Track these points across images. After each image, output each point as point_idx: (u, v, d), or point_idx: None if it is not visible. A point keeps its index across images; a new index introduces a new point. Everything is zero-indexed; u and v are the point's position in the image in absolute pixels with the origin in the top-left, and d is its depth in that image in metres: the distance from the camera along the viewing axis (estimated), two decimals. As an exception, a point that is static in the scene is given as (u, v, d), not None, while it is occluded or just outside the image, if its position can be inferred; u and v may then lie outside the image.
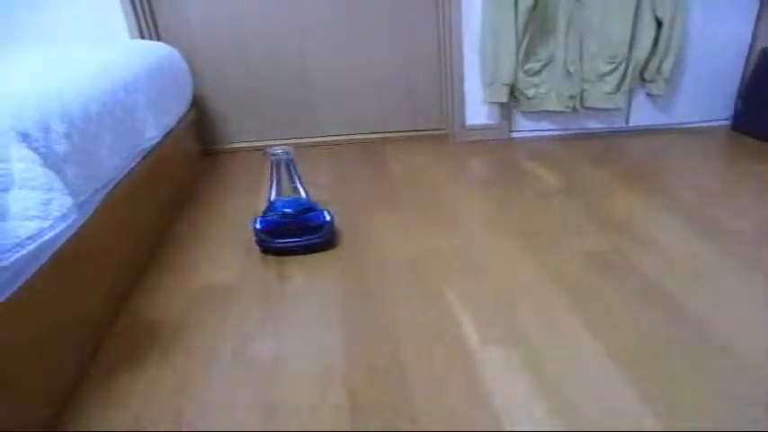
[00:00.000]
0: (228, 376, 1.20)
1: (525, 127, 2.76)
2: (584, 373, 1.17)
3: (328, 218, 1.72)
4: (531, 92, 2.60)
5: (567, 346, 1.26)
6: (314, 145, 2.77)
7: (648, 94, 2.69)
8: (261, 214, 1.72)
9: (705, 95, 2.75)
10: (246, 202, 2.09)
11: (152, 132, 1.82)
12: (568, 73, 2.56)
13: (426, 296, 1.45)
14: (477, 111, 2.71)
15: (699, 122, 2.79)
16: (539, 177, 2.24)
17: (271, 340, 1.30)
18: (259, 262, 1.66)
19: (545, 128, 2.77)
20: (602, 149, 2.55)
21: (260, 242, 1.69)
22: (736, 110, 2.73)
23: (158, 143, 1.89)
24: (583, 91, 2.60)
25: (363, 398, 1.12)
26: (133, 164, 1.65)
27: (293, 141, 2.74)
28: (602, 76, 2.57)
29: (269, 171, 1.72)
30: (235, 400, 1.14)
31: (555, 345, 1.26)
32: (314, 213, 1.71)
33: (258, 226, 1.68)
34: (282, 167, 1.71)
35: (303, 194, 1.75)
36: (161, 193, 1.93)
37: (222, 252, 1.73)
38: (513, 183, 2.21)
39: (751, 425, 1.02)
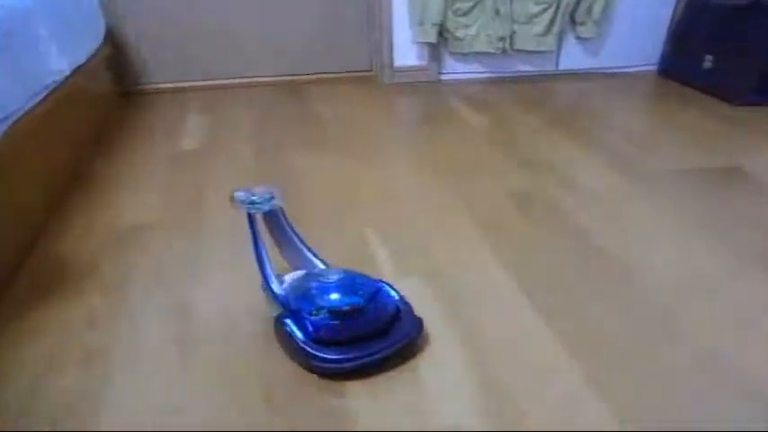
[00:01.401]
0: (142, 313, 1.21)
1: (455, 69, 2.79)
2: (495, 303, 1.22)
3: (396, 295, 1.13)
4: (460, 33, 2.63)
5: (480, 277, 1.31)
6: (238, 86, 2.73)
7: (578, 38, 2.76)
8: (282, 308, 1.10)
9: (634, 40, 2.83)
10: (166, 145, 2.07)
11: (57, 65, 1.77)
12: (498, 13, 2.59)
13: (347, 234, 1.48)
14: (406, 52, 2.72)
15: (627, 67, 2.87)
16: (466, 119, 2.27)
17: (187, 278, 1.32)
18: (177, 203, 1.66)
19: (475, 70, 2.80)
20: (532, 92, 2.60)
21: (314, 361, 1.02)
22: (663, 55, 2.83)
23: (68, 79, 1.84)
24: (513, 33, 2.64)
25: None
26: (38, 98, 1.61)
27: (217, 83, 2.71)
28: (532, 17, 2.61)
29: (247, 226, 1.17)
30: (147, 336, 1.15)
31: (468, 276, 1.31)
32: (380, 293, 1.10)
33: (310, 330, 1.03)
34: (267, 222, 1.20)
35: (313, 260, 1.21)
36: (74, 132, 1.89)
37: (139, 193, 1.72)
38: (440, 124, 2.24)
39: (654, 348, 1.09)
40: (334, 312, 1.02)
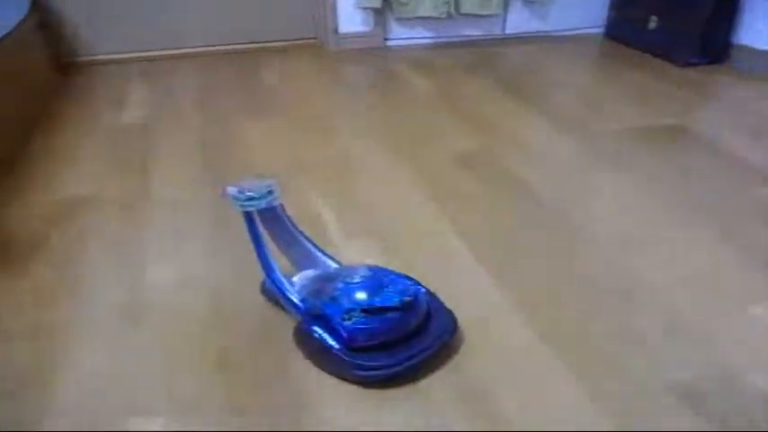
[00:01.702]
0: (90, 285, 1.19)
1: (400, 35, 2.77)
2: (441, 259, 1.24)
3: (422, 288, 1.03)
4: (405, -3, 2.62)
5: (426, 234, 1.33)
6: (182, 56, 2.67)
7: (525, 1, 2.76)
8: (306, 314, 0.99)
9: (580, 3, 2.83)
10: (109, 118, 2.01)
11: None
12: (443, -23, 2.58)
13: (293, 197, 1.45)
14: (351, 17, 2.68)
15: (574, 30, 2.88)
16: (413, 84, 2.26)
17: (134, 249, 1.30)
18: (123, 175, 1.62)
19: (420, 35, 2.78)
20: (478, 57, 2.59)
21: (355, 370, 0.93)
22: (609, 17, 2.85)
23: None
24: (458, -4, 2.64)
25: (226, 303, 1.14)
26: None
27: (160, 53, 2.65)
28: (477, -20, 2.61)
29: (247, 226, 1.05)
30: (96, 307, 1.13)
31: (414, 234, 1.33)
32: (412, 289, 0.99)
33: (344, 336, 0.93)
34: (264, 219, 1.07)
35: (324, 260, 1.11)
36: (5, 107, 1.83)
37: (83, 167, 1.67)
38: (386, 90, 2.22)
39: (596, 303, 1.11)
40: (369, 313, 0.92)
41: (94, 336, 1.06)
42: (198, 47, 2.70)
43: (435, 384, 0.94)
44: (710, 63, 2.41)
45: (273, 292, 1.05)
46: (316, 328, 0.95)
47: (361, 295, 0.94)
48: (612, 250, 1.26)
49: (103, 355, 1.02)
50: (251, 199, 1.01)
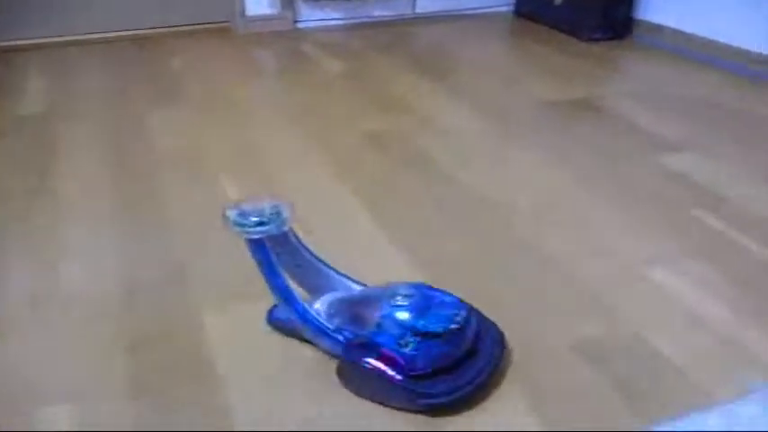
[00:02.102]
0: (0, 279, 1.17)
1: (310, 16, 2.75)
2: (351, 235, 1.26)
3: (467, 305, 0.92)
4: (313, -22, 2.60)
5: (336, 211, 1.35)
6: (85, 42, 2.59)
7: (433, -20, 2.79)
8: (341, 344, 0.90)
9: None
10: (3, 111, 1.94)
11: None
12: (350, -43, 2.58)
13: (202, 180, 1.46)
14: (258, 0, 2.67)
15: (484, 8, 2.93)
16: (323, 65, 2.26)
17: (44, 244, 1.26)
18: (22, 165, 1.56)
19: (330, 17, 2.77)
20: (389, 37, 2.60)
21: (421, 399, 0.85)
22: (517, -6, 2.91)
23: None
24: (367, -24, 2.65)
25: (136, 294, 1.12)
26: None
27: (60, 39, 2.56)
28: (385, -40, 2.62)
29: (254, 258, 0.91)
30: (5, 298, 1.11)
31: (324, 211, 1.34)
32: (454, 305, 0.90)
33: (403, 364, 0.85)
34: (272, 244, 0.91)
35: (347, 283, 1.00)
36: None
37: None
38: (296, 72, 2.22)
39: (501, 268, 1.15)
40: (424, 337, 0.85)
41: (2, 328, 1.04)
42: (103, 32, 2.62)
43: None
44: (613, 38, 2.49)
45: (293, 324, 0.94)
46: (369, 360, 0.86)
47: (411, 318, 0.86)
48: (522, 219, 1.31)
49: (13, 346, 1.00)
50: (262, 224, 0.87)
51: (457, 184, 1.45)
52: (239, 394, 0.89)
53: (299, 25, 2.75)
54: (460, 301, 0.90)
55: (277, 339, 0.99)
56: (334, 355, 0.91)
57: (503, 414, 0.85)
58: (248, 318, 1.03)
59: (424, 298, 0.88)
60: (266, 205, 0.89)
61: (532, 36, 2.58)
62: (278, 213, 0.88)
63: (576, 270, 1.15)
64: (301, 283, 0.99)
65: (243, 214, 0.87)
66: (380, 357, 0.85)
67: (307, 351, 0.95)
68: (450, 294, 0.91)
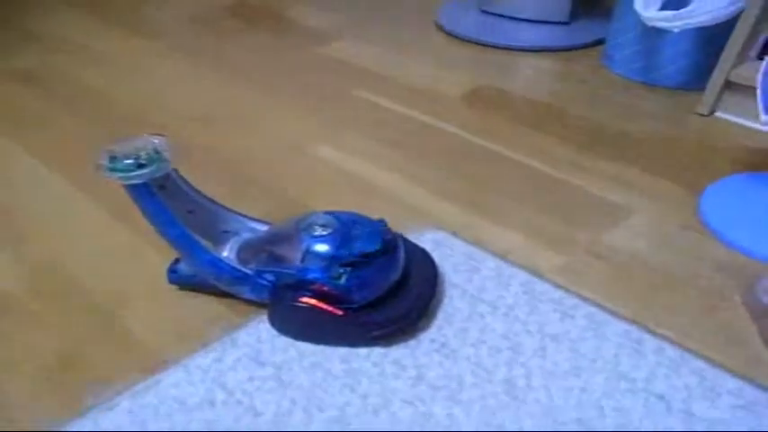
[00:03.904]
0: None
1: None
2: (14, 179, 1.20)
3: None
4: None
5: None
6: None
7: None
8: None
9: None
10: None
11: None
12: None
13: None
14: None
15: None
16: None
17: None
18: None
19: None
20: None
21: (372, 329, 0.80)
22: None
23: None
24: None
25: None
26: None
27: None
28: None
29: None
30: None
31: None
32: (374, 227, 0.84)
33: (344, 297, 0.79)
34: (163, 190, 0.82)
35: (250, 224, 0.92)
36: None
37: None
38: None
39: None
40: (355, 266, 0.79)
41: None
42: None
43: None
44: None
45: (201, 278, 0.87)
46: (303, 299, 0.80)
47: (336, 248, 0.80)
48: (196, 128, 1.33)
49: None
50: (141, 166, 0.76)
51: (118, 103, 1.45)
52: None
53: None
54: (376, 221, 0.85)
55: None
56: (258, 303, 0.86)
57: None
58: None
59: (343, 224, 0.83)
60: (141, 145, 0.78)
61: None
62: (157, 152, 0.78)
63: (249, 162, 1.20)
64: (195, 232, 0.85)
65: (117, 158, 0.76)
66: (315, 294, 0.80)
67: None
68: (366, 217, 0.86)
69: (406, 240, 0.88)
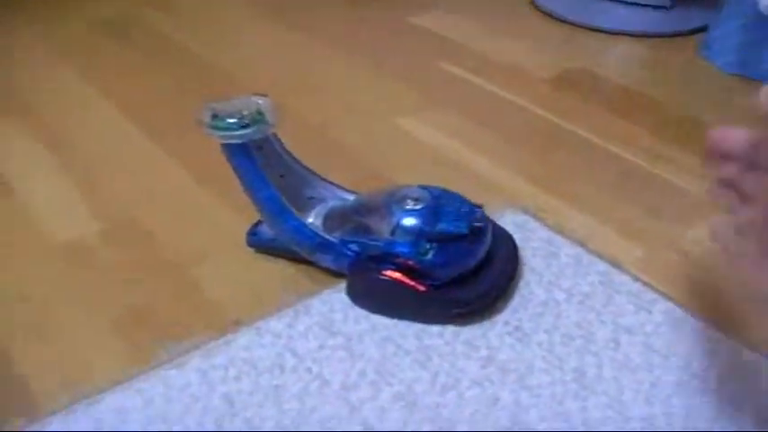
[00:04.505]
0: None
1: None
2: (97, 129, 1.24)
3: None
4: None
5: (78, 109, 1.31)
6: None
7: None
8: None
9: None
10: None
11: None
12: None
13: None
14: None
15: None
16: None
17: None
18: None
19: None
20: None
21: (453, 307, 0.80)
22: None
23: None
24: None
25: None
26: None
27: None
28: None
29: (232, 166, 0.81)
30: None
31: (66, 111, 1.30)
32: (467, 208, 0.82)
33: (429, 273, 0.79)
34: (259, 152, 0.81)
35: (339, 192, 0.91)
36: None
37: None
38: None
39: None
40: (448, 241, 0.79)
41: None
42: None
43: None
44: None
45: (281, 243, 0.86)
46: (386, 272, 0.80)
47: (427, 222, 0.79)
48: (283, 93, 1.27)
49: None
50: (243, 127, 0.76)
51: (205, 62, 1.48)
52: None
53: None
54: (469, 202, 0.84)
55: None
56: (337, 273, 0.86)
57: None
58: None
59: (436, 199, 0.81)
60: (243, 105, 0.78)
61: None
62: (260, 113, 0.77)
63: (335, 131, 1.22)
64: (284, 196, 0.84)
65: (218, 116, 0.76)
66: (399, 268, 0.79)
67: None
68: (459, 195, 0.85)
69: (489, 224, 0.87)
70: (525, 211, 0.99)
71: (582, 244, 0.92)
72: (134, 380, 0.73)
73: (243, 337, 0.78)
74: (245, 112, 0.76)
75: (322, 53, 1.53)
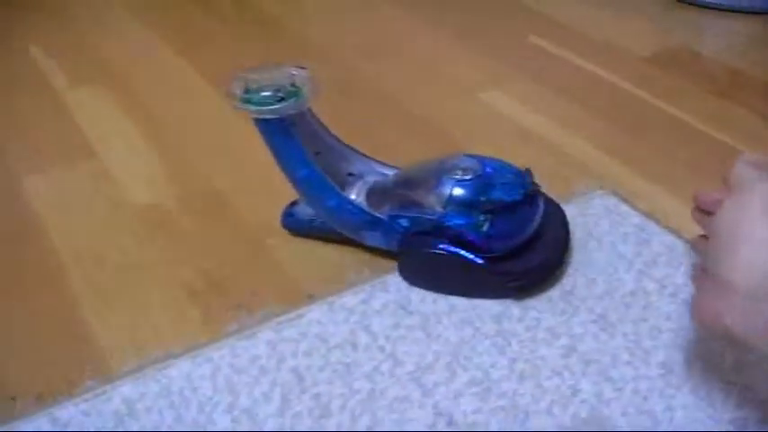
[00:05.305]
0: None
1: None
2: (181, 100, 1.25)
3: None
4: None
5: (157, 73, 1.34)
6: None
7: None
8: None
9: None
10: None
11: None
12: None
13: (14, 54, 1.45)
14: None
15: None
16: None
17: None
18: None
19: None
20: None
21: (511, 281, 0.78)
22: None
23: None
24: None
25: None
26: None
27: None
28: None
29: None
30: None
31: (146, 76, 1.33)
32: (516, 174, 0.79)
33: (485, 246, 0.76)
34: (295, 127, 0.74)
35: (378, 168, 0.87)
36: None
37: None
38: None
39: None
40: (502, 211, 0.75)
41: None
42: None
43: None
44: None
45: (328, 220, 0.82)
46: (443, 246, 0.76)
47: (480, 192, 0.75)
48: (361, 59, 1.34)
49: None
50: (281, 100, 0.69)
51: (279, 25, 1.50)
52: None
53: None
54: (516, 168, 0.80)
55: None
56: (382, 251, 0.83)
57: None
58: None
59: (485, 168, 0.77)
60: (278, 76, 0.72)
61: None
62: (295, 86, 0.71)
63: (411, 99, 1.19)
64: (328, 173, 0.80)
65: (252, 89, 0.70)
66: (453, 242, 0.76)
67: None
68: (510, 163, 0.80)
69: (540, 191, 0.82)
70: (616, 194, 0.95)
71: (676, 232, 0.87)
72: (204, 348, 0.73)
73: (316, 312, 0.77)
74: (281, 85, 0.71)
75: (405, 20, 1.52)
